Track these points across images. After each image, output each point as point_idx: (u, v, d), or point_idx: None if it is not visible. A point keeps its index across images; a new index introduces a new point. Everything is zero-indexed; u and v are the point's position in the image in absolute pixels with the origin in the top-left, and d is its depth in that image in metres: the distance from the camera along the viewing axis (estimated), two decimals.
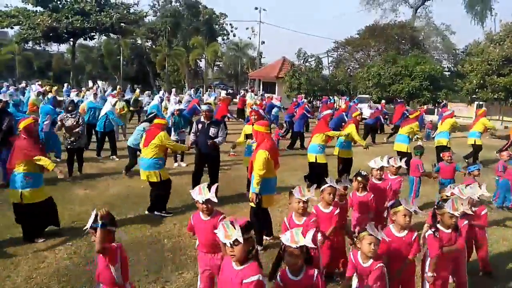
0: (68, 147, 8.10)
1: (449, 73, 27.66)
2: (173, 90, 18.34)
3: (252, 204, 4.94)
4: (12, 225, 5.48)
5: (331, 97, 17.37)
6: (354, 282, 3.18)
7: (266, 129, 5.09)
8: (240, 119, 18.89)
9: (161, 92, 18.20)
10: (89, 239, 5.08)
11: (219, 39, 43.62)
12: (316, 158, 7.94)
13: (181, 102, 12.48)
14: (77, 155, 8.30)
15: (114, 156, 9.98)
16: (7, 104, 8.43)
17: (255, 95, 23.36)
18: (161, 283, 4.19)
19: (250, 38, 44.41)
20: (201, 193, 3.31)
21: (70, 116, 8.08)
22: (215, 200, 3.33)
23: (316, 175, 7.62)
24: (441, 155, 6.95)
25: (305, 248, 2.58)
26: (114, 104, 10.26)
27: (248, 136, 7.04)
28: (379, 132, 16.97)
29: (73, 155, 8.22)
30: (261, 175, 4.78)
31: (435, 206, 3.64)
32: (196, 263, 4.56)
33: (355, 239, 3.56)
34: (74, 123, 8.02)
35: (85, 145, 8.97)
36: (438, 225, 3.52)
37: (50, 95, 11.38)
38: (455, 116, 11.56)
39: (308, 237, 2.58)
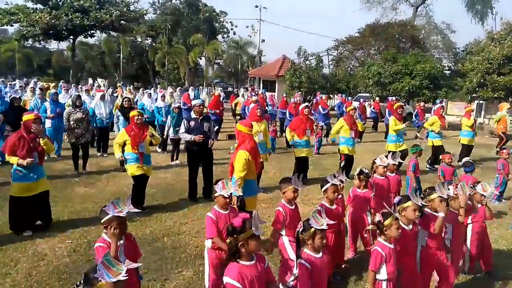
0: (73, 141, 8.17)
1: (449, 71, 27.58)
2: (169, 88, 18.22)
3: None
4: None
5: (322, 95, 17.67)
6: (383, 273, 3.19)
7: (249, 129, 4.97)
8: (234, 117, 19.06)
9: (152, 89, 18.26)
10: (89, 237, 5.10)
11: (219, 37, 43.46)
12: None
13: (164, 97, 12.03)
14: (82, 150, 8.37)
15: (104, 153, 10.11)
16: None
17: (250, 89, 23.26)
18: (161, 281, 4.19)
19: (250, 36, 44.24)
20: (225, 187, 3.56)
21: (78, 110, 8.25)
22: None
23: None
24: (441, 157, 6.98)
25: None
26: (101, 98, 10.11)
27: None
28: (376, 130, 17.13)
29: (78, 150, 8.30)
30: (242, 177, 4.66)
31: (422, 196, 3.75)
32: (196, 261, 4.58)
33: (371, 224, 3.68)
34: (84, 116, 8.22)
35: (90, 141, 9.03)
36: (429, 210, 3.68)
37: (37, 91, 11.29)
38: (443, 112, 11.38)
39: (325, 218, 2.99)
